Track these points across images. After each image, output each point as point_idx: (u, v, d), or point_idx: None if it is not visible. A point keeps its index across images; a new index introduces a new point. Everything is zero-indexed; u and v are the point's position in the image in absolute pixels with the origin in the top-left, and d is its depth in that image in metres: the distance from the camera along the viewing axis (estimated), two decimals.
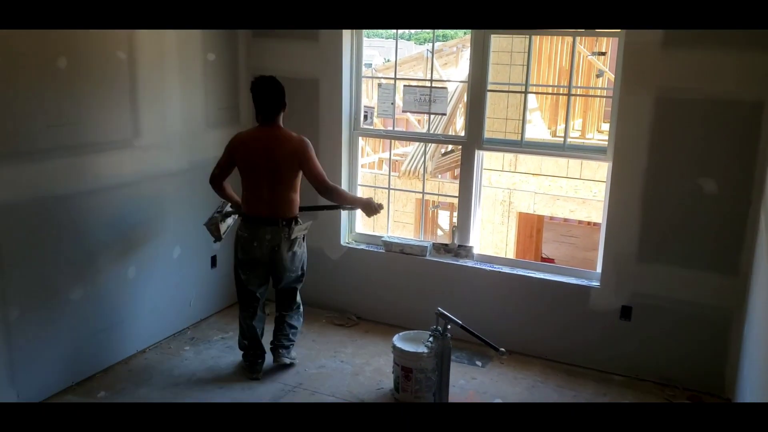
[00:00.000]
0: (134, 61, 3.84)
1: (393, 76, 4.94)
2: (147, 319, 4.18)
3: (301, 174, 3.80)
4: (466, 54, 10.14)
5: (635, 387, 3.92)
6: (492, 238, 8.71)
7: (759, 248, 3.37)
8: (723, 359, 3.79)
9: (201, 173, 4.44)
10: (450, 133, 8.87)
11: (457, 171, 8.71)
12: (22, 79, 3.24)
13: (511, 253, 8.58)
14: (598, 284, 4.07)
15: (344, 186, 4.73)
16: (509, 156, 8.11)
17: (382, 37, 16.38)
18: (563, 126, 4.74)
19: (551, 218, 10.53)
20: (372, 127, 4.99)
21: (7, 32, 3.13)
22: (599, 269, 4.09)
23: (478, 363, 4.18)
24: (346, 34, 4.49)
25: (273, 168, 3.72)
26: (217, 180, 3.88)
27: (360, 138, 4.81)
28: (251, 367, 3.94)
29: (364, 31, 4.62)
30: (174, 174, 4.25)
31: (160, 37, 4.00)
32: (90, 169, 3.66)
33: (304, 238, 3.96)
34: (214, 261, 4.69)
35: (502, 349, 3.61)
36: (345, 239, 4.83)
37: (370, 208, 3.96)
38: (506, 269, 4.37)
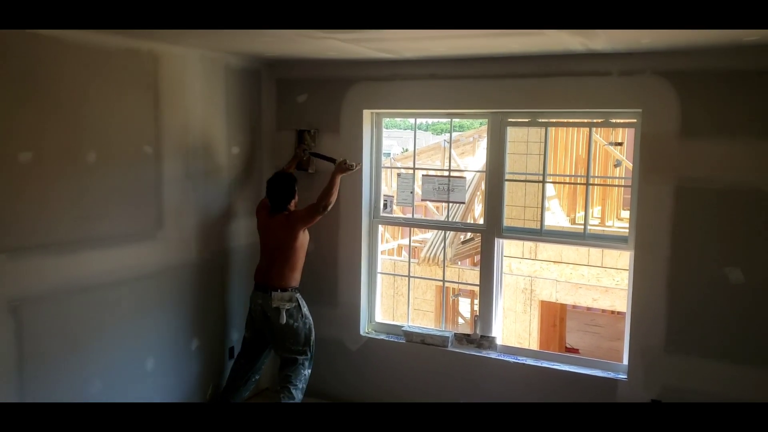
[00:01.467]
0: (160, 155, 3.96)
1: (412, 166, 5.02)
2: None
3: (300, 249, 4.21)
4: (482, 143, 10.33)
5: None
6: (515, 327, 8.56)
7: None
8: None
9: (220, 264, 4.48)
10: (469, 220, 8.91)
11: (477, 258, 8.69)
12: (53, 172, 3.34)
13: (534, 343, 8.41)
14: (626, 377, 3.94)
15: (364, 273, 4.72)
16: (529, 243, 8.09)
17: (401, 128, 16.80)
18: (582, 213, 4.74)
19: (574, 307, 10.36)
20: (392, 215, 5.03)
21: (40, 127, 3.26)
22: (626, 361, 3.98)
23: None
24: (366, 126, 4.61)
25: (275, 247, 4.20)
26: None
27: (379, 225, 4.84)
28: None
29: (383, 123, 4.74)
30: (195, 264, 4.28)
31: (185, 132, 4.13)
32: (114, 260, 3.70)
33: (299, 313, 4.18)
34: (231, 352, 4.63)
35: None
36: (365, 329, 4.77)
37: (342, 169, 4.22)
38: (530, 361, 4.26)
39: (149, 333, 3.97)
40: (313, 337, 4.27)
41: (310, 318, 4.26)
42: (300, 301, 4.20)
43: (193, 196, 4.23)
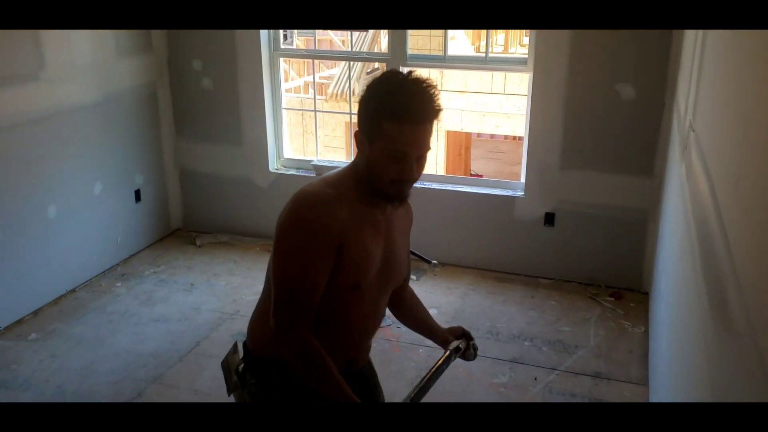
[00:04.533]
0: None
1: None
2: (73, 258, 4.06)
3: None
4: None
5: (560, 288, 4.13)
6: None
7: (671, 149, 3.53)
8: (641, 256, 4.03)
9: (116, 106, 4.26)
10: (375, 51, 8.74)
11: None
12: None
13: (441, 172, 8.72)
14: (523, 194, 4.19)
15: (268, 109, 4.62)
16: (435, 74, 8.09)
17: None
18: (486, 42, 4.74)
19: (479, 135, 10.68)
20: (293, 48, 4.86)
21: None
22: (523, 179, 4.21)
23: (413, 277, 4.28)
24: None
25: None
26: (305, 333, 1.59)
27: (282, 60, 4.67)
28: None
29: None
30: (87, 107, 4.04)
31: None
32: None
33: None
34: (138, 195, 4.56)
35: (434, 261, 3.73)
36: (273, 166, 4.76)
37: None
38: (436, 185, 4.43)
39: (46, 180, 3.81)
40: None
41: None
42: None
43: (74, 31, 3.89)
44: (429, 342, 3.30)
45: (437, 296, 4.05)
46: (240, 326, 3.68)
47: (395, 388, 3.10)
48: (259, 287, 4.11)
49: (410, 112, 1.50)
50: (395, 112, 1.49)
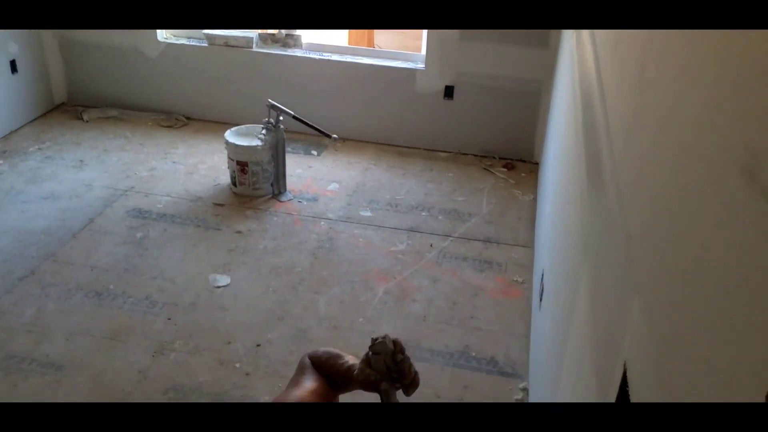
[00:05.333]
0: None
1: None
2: None
3: None
4: None
5: (457, 161, 4.26)
6: (321, 32, 8.50)
7: None
8: (533, 128, 4.18)
9: None
10: None
11: None
12: None
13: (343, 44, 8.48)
14: (423, 66, 4.18)
15: None
16: None
17: None
18: None
19: None
20: None
21: None
22: (424, 51, 4.18)
23: (314, 152, 4.28)
24: None
25: None
26: None
27: None
28: None
29: None
30: None
31: None
32: None
33: None
34: (14, 66, 4.19)
35: (334, 135, 3.73)
36: (162, 34, 4.48)
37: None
38: (336, 57, 4.33)
39: None
40: None
41: None
42: None
43: None
44: (330, 215, 3.40)
45: (338, 171, 4.07)
46: (135, 202, 3.59)
47: (297, 259, 3.18)
48: (153, 163, 4.07)
49: None
50: None
